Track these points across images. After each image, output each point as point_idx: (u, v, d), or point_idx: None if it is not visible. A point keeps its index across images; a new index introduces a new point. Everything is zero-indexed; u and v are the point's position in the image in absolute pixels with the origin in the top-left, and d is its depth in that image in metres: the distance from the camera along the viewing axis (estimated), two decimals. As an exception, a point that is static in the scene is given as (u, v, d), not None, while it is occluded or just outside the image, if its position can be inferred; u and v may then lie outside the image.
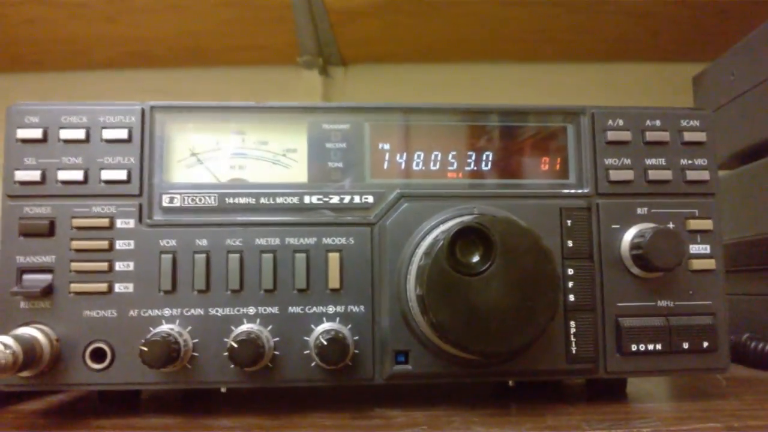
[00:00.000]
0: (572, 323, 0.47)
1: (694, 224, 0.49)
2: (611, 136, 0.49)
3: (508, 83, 1.13)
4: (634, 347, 0.47)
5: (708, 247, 0.49)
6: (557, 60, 1.11)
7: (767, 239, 0.68)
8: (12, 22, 0.93)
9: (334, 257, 0.47)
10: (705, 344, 0.47)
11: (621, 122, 0.50)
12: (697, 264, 0.49)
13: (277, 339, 0.46)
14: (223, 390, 0.46)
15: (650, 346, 0.47)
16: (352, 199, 0.47)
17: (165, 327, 0.45)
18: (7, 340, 0.41)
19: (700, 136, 0.50)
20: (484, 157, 0.49)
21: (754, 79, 0.78)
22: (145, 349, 0.43)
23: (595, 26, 0.98)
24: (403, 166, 0.49)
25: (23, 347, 0.42)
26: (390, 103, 0.49)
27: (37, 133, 0.46)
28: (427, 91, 1.14)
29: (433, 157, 0.49)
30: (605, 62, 1.12)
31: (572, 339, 0.47)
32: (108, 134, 0.46)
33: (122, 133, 0.47)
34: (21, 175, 0.46)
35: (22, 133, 0.46)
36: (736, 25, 0.94)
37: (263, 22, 0.93)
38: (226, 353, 0.44)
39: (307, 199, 0.47)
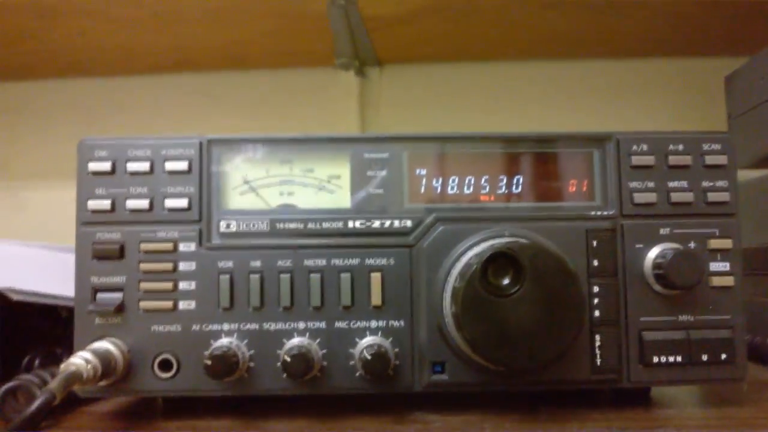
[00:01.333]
0: (597, 336, 0.51)
1: (714, 243, 0.52)
2: (635, 160, 0.52)
3: (541, 81, 1.15)
4: (655, 359, 0.51)
5: (728, 264, 0.52)
6: (590, 57, 1.13)
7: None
8: (64, 33, 0.98)
9: (376, 277, 0.51)
10: (723, 356, 0.51)
11: (645, 147, 0.52)
12: (716, 281, 0.52)
13: (324, 351, 0.50)
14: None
15: (671, 358, 0.50)
16: (392, 223, 0.51)
17: (224, 340, 0.50)
18: (88, 355, 0.47)
19: (722, 159, 0.53)
20: (515, 181, 0.53)
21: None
22: (209, 362, 0.48)
23: (627, 28, 0.99)
24: (438, 190, 0.53)
25: (101, 360, 0.47)
26: (426, 132, 0.53)
27: (106, 166, 0.51)
28: (462, 90, 1.16)
29: (466, 181, 0.53)
30: (638, 58, 1.13)
31: (597, 351, 0.51)
32: (170, 166, 0.51)
33: (183, 165, 0.51)
34: (93, 204, 0.51)
35: (93, 166, 0.51)
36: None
37: (302, 31, 0.97)
38: (279, 364, 0.49)
39: (350, 224, 0.51)
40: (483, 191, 0.53)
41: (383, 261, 0.51)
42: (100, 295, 0.50)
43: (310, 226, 0.51)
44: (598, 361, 0.51)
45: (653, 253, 0.51)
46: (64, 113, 1.17)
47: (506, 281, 0.47)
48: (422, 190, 0.52)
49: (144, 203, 0.51)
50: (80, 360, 0.46)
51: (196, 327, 0.50)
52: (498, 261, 0.47)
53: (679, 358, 0.50)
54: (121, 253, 0.51)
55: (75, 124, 1.15)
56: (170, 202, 0.51)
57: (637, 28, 1.00)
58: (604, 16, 0.95)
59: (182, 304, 0.50)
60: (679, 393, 0.59)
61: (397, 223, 0.51)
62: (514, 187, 0.53)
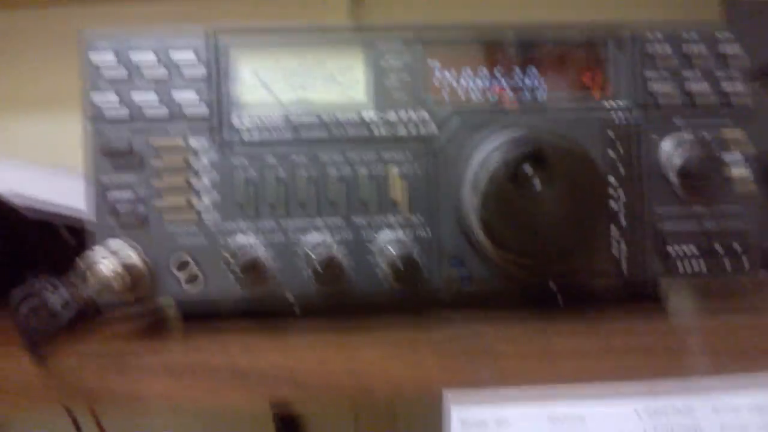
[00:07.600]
0: (613, 227, 0.51)
1: (727, 133, 0.52)
2: (650, 49, 0.52)
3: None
4: (670, 250, 0.51)
5: (740, 155, 0.52)
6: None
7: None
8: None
9: (393, 170, 0.50)
10: (737, 248, 0.51)
11: (660, 36, 0.52)
12: (731, 172, 0.52)
13: (343, 248, 0.49)
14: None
15: (685, 249, 0.51)
16: (409, 116, 0.50)
17: (245, 241, 0.49)
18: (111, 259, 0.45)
19: (734, 49, 0.52)
20: (530, 72, 0.52)
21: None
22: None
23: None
24: (452, 81, 0.51)
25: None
26: (444, 23, 0.52)
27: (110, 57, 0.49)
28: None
29: (480, 72, 0.51)
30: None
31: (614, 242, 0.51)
32: (176, 56, 0.49)
33: (190, 55, 0.49)
34: (98, 98, 0.49)
35: (95, 57, 0.49)
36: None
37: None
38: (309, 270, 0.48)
39: (366, 116, 0.50)
40: (497, 83, 0.52)
41: (400, 155, 0.50)
42: (110, 193, 0.49)
43: (325, 118, 0.50)
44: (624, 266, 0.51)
45: (667, 143, 0.51)
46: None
47: (529, 171, 0.46)
48: (436, 82, 0.51)
49: (151, 96, 0.49)
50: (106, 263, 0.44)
51: (211, 223, 0.49)
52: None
53: (693, 249, 0.51)
54: (130, 150, 0.49)
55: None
56: (178, 95, 0.49)
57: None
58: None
59: (195, 201, 0.49)
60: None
61: (413, 115, 0.50)
62: (528, 78, 0.52)
